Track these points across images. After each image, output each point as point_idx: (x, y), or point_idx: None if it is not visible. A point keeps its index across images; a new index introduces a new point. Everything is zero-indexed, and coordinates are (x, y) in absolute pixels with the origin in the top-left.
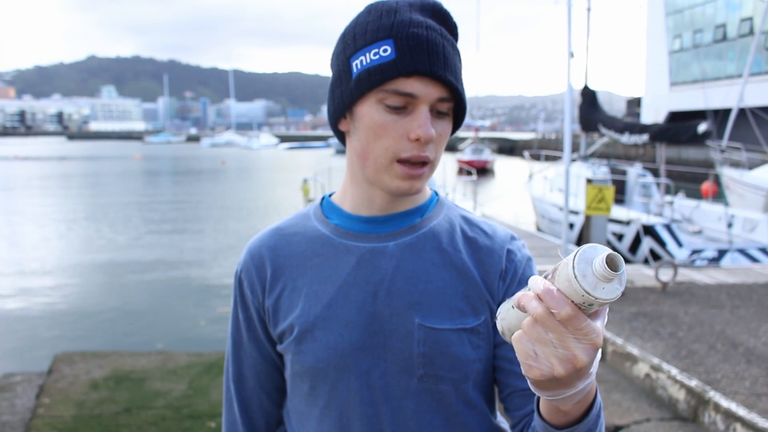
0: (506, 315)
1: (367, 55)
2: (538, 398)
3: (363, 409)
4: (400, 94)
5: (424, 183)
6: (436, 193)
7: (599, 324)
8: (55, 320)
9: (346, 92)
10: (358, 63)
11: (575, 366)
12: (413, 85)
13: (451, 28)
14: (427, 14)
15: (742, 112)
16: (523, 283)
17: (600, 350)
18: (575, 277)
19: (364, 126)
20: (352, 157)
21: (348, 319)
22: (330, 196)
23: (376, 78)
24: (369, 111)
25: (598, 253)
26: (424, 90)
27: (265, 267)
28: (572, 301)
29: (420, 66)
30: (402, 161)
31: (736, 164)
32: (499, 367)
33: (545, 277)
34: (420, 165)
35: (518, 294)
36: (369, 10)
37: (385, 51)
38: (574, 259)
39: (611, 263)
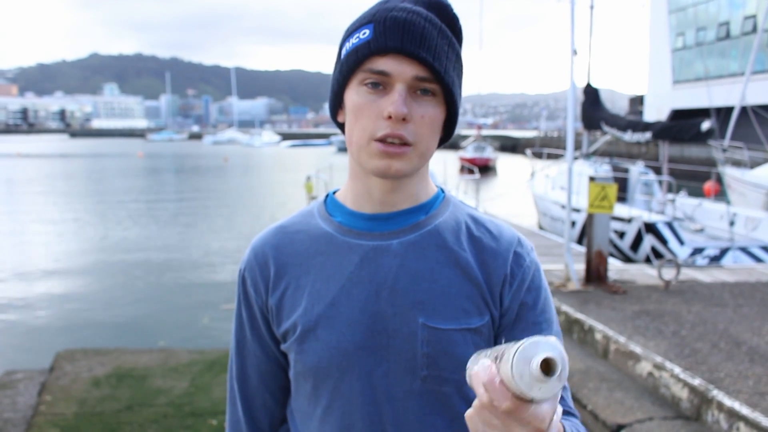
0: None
1: (351, 39)
2: None
3: (366, 409)
4: (374, 72)
5: (407, 166)
6: (442, 190)
7: (546, 407)
8: (57, 318)
9: (335, 79)
10: (344, 49)
11: None
12: (387, 63)
13: (449, 21)
14: (420, 4)
15: (744, 110)
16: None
17: (558, 414)
18: (512, 377)
19: (348, 110)
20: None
21: (351, 319)
22: (334, 193)
23: (352, 59)
24: (352, 94)
25: (537, 352)
26: (398, 68)
27: (269, 265)
28: (513, 394)
29: (391, 43)
30: (378, 140)
31: (737, 163)
32: None
33: (495, 357)
34: (398, 144)
35: (477, 368)
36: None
37: (364, 34)
38: (513, 357)
39: (546, 368)
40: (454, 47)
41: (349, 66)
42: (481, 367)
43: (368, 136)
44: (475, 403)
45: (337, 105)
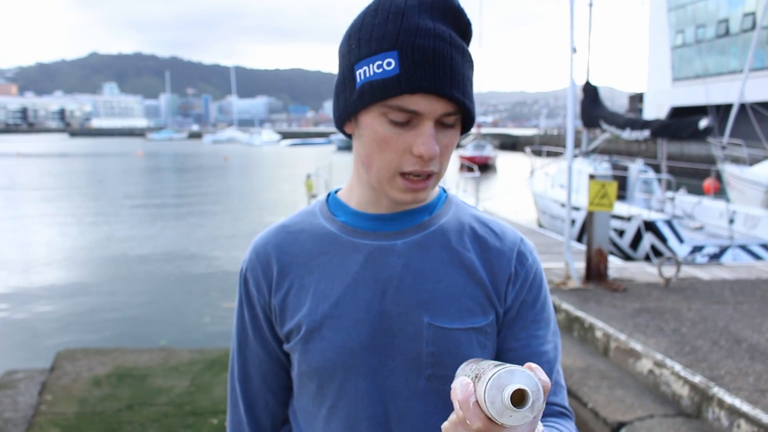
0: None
1: (371, 66)
2: None
3: (371, 408)
4: (403, 110)
5: (428, 193)
6: (445, 191)
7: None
8: (58, 317)
9: (350, 101)
10: (361, 73)
11: None
12: (417, 102)
13: (463, 29)
14: (437, 15)
15: (742, 107)
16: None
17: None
18: (485, 401)
19: (367, 136)
20: (358, 160)
21: (356, 318)
22: (336, 192)
23: (379, 94)
24: (372, 123)
25: (511, 381)
26: (429, 107)
27: (272, 265)
28: (485, 415)
29: (424, 84)
30: (404, 174)
31: (736, 160)
32: None
33: (476, 376)
34: (424, 179)
35: (456, 384)
36: (376, 8)
37: (389, 65)
38: (487, 383)
39: (518, 398)
40: (471, 63)
41: (373, 98)
42: (459, 385)
43: (394, 170)
44: (452, 417)
45: (345, 119)
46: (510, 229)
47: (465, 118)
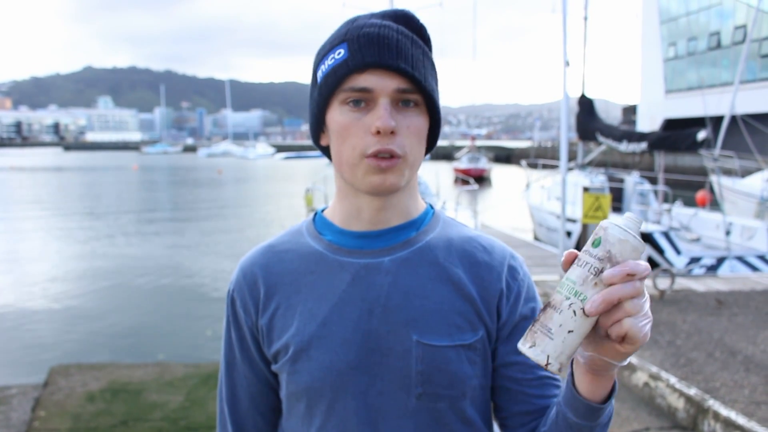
0: (569, 325)
1: (326, 61)
2: (571, 392)
3: (361, 428)
4: (355, 90)
5: (400, 178)
6: (431, 206)
7: None
8: (51, 332)
9: (315, 103)
10: (320, 73)
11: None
12: (367, 79)
13: (417, 30)
14: (387, 18)
15: (734, 119)
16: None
17: None
18: (635, 238)
19: (333, 132)
20: (335, 170)
21: (344, 338)
22: (322, 211)
23: (332, 79)
24: (335, 115)
25: (622, 222)
26: (379, 82)
27: (258, 285)
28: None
29: (369, 58)
30: (369, 156)
31: (728, 172)
32: (502, 388)
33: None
34: (389, 158)
35: (614, 283)
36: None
37: (339, 54)
38: (628, 233)
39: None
40: (427, 55)
41: (329, 87)
42: (621, 269)
43: (359, 154)
44: (631, 303)
45: (318, 129)
46: (499, 244)
47: (429, 104)
